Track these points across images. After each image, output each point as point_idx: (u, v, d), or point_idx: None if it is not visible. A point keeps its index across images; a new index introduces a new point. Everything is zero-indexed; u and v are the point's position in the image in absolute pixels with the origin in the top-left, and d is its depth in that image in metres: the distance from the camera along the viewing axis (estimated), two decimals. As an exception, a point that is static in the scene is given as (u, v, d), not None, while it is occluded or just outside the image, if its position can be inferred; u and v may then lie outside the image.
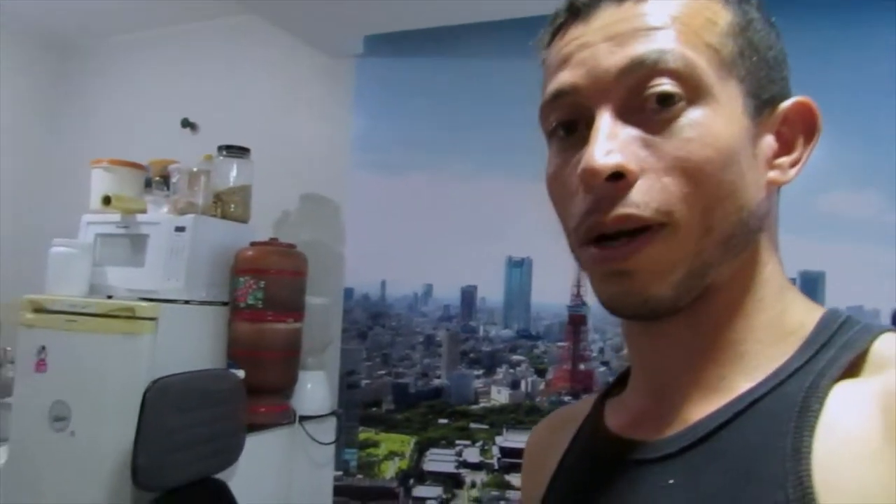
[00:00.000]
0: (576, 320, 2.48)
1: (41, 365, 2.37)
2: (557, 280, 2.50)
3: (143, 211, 2.53)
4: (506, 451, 2.53)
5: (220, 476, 2.12)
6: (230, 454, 2.12)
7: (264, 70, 3.11)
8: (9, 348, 3.20)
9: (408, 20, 2.66)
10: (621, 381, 0.71)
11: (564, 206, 0.60)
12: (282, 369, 2.48)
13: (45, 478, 2.30)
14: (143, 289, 2.41)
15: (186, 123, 3.17)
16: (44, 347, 2.38)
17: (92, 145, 3.10)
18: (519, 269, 2.58)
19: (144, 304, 2.25)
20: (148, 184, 2.68)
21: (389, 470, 2.69)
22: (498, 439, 2.54)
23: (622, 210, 0.54)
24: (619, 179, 0.53)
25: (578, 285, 2.47)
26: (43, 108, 3.53)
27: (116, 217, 2.55)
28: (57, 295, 2.41)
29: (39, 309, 2.41)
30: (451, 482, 2.59)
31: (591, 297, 2.51)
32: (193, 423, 1.94)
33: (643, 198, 0.53)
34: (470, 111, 2.67)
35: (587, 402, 0.75)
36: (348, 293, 2.82)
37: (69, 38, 3.52)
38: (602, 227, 0.55)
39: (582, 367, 2.48)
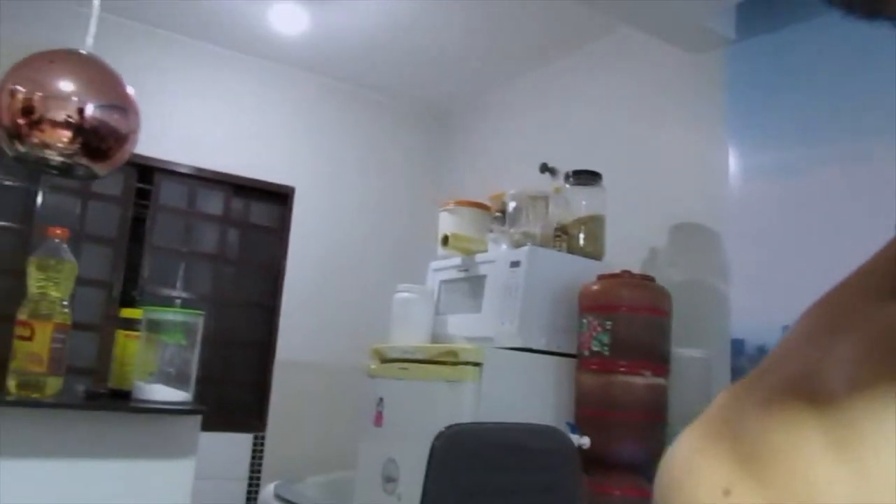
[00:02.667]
0: None
1: (379, 418, 2.19)
2: None
3: (483, 250, 2.26)
4: None
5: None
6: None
7: (619, 93, 2.68)
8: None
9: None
10: None
11: None
12: (638, 438, 1.86)
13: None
14: (479, 336, 2.09)
15: (545, 168, 2.89)
16: (382, 399, 2.19)
17: (457, 195, 3.02)
18: None
19: (468, 346, 1.91)
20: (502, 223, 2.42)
21: None
22: None
23: None
24: None
25: None
26: (424, 166, 3.67)
27: (458, 261, 2.32)
28: (396, 343, 2.24)
29: (383, 358, 2.26)
30: None
31: None
32: (499, 489, 1.46)
33: None
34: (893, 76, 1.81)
35: None
36: (737, 345, 2.07)
37: (441, 104, 3.65)
38: None
39: None
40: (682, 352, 2.02)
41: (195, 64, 3.11)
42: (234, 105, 3.18)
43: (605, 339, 1.88)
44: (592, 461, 1.79)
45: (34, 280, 1.24)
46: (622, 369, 1.87)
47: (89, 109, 1.17)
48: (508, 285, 2.08)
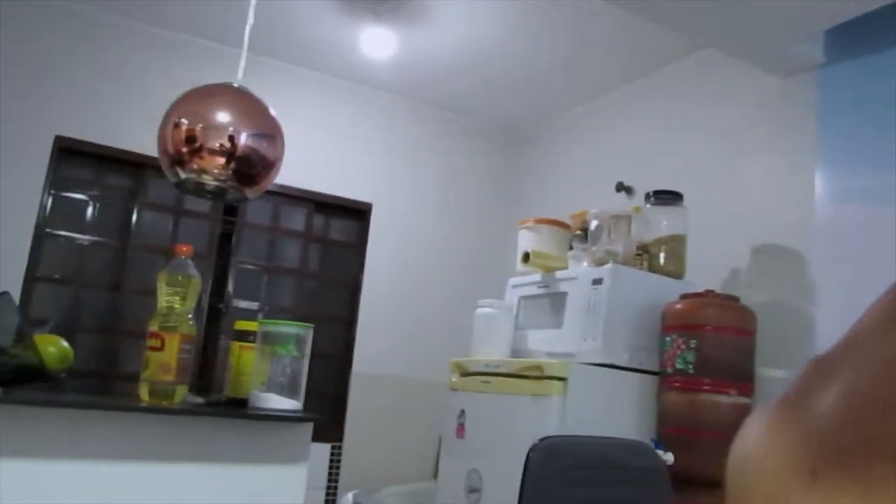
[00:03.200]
0: None
1: (461, 430, 2.24)
2: None
3: (564, 267, 2.30)
4: None
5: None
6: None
7: (699, 113, 2.69)
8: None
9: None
10: None
11: None
12: (723, 456, 1.85)
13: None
14: (561, 352, 2.13)
15: (621, 187, 2.92)
16: (463, 411, 2.25)
17: (533, 213, 3.07)
18: None
19: (555, 361, 1.95)
20: (572, 244, 2.46)
21: None
22: None
23: None
24: None
25: None
26: (500, 185, 3.74)
27: (538, 277, 2.37)
28: (477, 356, 2.29)
29: (464, 372, 2.32)
30: None
31: None
32: (591, 502, 1.49)
33: None
34: None
35: None
36: (823, 368, 2.06)
37: (518, 125, 3.72)
38: None
39: None
40: (767, 372, 2.01)
41: (286, 88, 3.25)
42: (316, 125, 3.31)
43: (690, 358, 1.90)
44: (676, 479, 1.80)
45: (163, 294, 1.34)
46: (707, 388, 1.89)
47: (242, 138, 1.28)
48: (591, 302, 2.11)
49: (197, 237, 3.12)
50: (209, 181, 1.30)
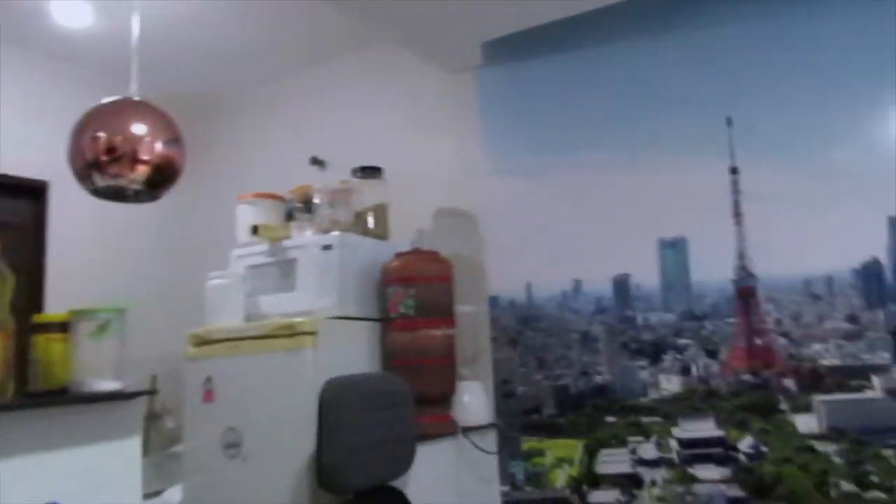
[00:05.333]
0: (744, 293, 2.31)
1: (209, 395, 2.41)
2: (717, 255, 2.35)
3: (289, 237, 2.59)
4: (686, 443, 2.34)
5: (394, 485, 2.05)
6: (405, 460, 2.05)
7: (387, 98, 3.19)
8: (164, 405, 3.31)
9: (524, 19, 2.67)
10: None
11: None
12: (441, 377, 2.42)
13: (223, 505, 2.31)
14: (296, 311, 2.43)
15: (315, 161, 3.26)
16: (210, 378, 2.42)
17: (227, 189, 3.23)
18: (673, 249, 2.45)
19: (304, 319, 2.26)
20: (289, 215, 2.75)
21: (559, 478, 2.54)
22: (675, 431, 2.37)
23: None
24: None
25: (742, 257, 2.32)
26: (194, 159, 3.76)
27: (264, 247, 2.61)
28: (215, 326, 2.47)
29: (202, 342, 2.47)
30: (629, 483, 2.42)
31: (758, 267, 2.37)
32: (369, 423, 1.90)
33: None
34: (603, 100, 2.62)
35: None
36: (493, 301, 2.76)
37: (212, 98, 3.78)
38: None
39: (758, 341, 2.29)
40: (461, 308, 2.62)
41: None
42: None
43: (411, 304, 2.40)
44: (410, 398, 2.30)
45: (-25, 295, 1.32)
46: (424, 325, 2.41)
47: (158, 146, 1.30)
48: (322, 266, 2.46)
49: None
50: (128, 185, 1.32)
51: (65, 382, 1.48)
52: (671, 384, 2.42)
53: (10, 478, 1.35)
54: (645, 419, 2.43)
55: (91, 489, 1.46)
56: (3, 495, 1.34)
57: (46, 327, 1.50)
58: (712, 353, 2.36)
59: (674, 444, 2.37)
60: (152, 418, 3.37)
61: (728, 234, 2.33)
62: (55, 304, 3.10)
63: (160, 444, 3.28)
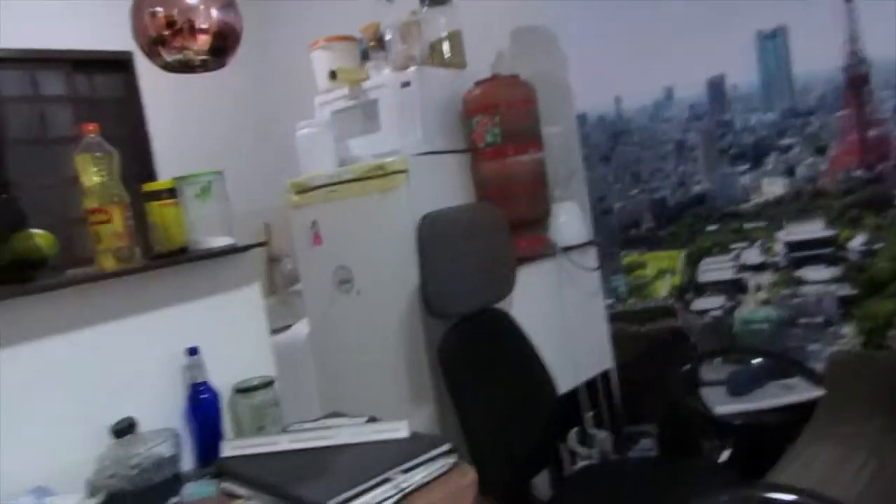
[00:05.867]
0: (856, 81, 2.13)
1: (316, 239, 2.55)
2: (823, 43, 2.15)
3: (367, 78, 2.56)
4: (793, 245, 2.29)
5: (499, 307, 2.15)
6: (506, 284, 2.13)
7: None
8: (282, 248, 3.53)
9: None
10: None
11: None
12: (533, 201, 2.44)
13: (343, 337, 2.52)
14: (384, 151, 2.46)
15: (383, -6, 3.14)
16: (314, 222, 2.55)
17: (297, 39, 3.19)
18: (772, 41, 2.25)
19: (393, 159, 2.29)
20: (364, 55, 2.71)
21: (663, 289, 2.58)
22: (780, 235, 2.31)
23: None
24: None
25: (853, 40, 2.11)
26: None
27: (344, 91, 2.61)
28: (314, 173, 2.55)
29: (302, 189, 2.57)
30: (733, 289, 2.42)
31: (872, 50, 2.15)
32: (467, 252, 1.96)
33: None
34: None
35: None
36: (581, 119, 2.68)
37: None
38: None
39: (872, 133, 2.14)
40: (547, 129, 2.57)
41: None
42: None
43: (497, 132, 2.37)
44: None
45: (89, 174, 1.42)
46: (511, 152, 2.39)
47: (214, 13, 1.32)
48: (403, 103, 2.45)
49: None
50: (193, 57, 1.36)
51: (183, 243, 1.60)
52: (775, 187, 2.33)
53: (149, 332, 1.52)
54: (748, 225, 2.38)
55: (223, 334, 1.63)
56: (147, 347, 1.52)
57: (157, 195, 1.60)
58: (820, 151, 2.23)
59: (779, 247, 2.32)
60: (273, 261, 3.64)
61: (837, 16, 2.11)
62: (165, 173, 3.29)
63: (283, 283, 3.56)
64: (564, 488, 2.23)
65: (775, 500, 1.52)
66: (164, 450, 1.35)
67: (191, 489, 1.36)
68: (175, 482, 1.36)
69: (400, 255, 2.16)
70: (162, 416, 1.50)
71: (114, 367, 1.46)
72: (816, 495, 1.52)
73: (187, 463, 1.51)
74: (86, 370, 1.42)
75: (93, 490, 1.27)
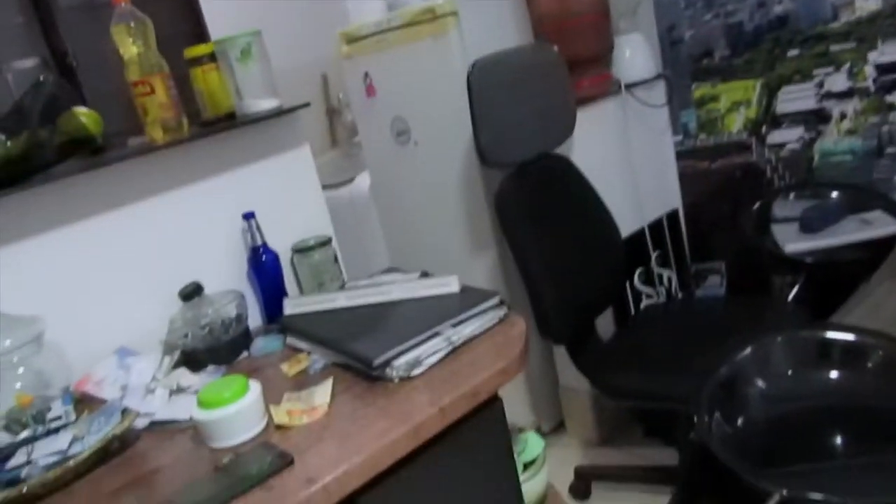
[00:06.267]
0: None
1: (370, 90, 2.50)
2: None
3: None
4: (885, 67, 2.08)
5: (559, 152, 2.09)
6: (564, 128, 2.05)
7: None
8: (341, 95, 3.48)
9: None
10: None
11: None
12: (594, 36, 2.28)
13: (404, 189, 2.53)
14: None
15: None
16: (367, 73, 2.49)
17: None
18: None
19: (443, 0, 2.17)
20: None
21: (736, 122, 2.43)
22: (871, 56, 2.10)
23: None
24: None
25: None
26: None
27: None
28: (360, 21, 2.45)
29: (352, 39, 2.49)
30: (814, 119, 2.25)
31: None
32: (521, 98, 1.88)
33: None
34: None
35: None
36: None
37: None
38: None
39: None
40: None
41: None
42: None
43: (553, -40, 2.18)
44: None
45: (125, 45, 1.41)
46: (570, -17, 2.21)
47: None
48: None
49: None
50: None
51: (229, 108, 1.59)
52: (870, 2, 2.08)
53: (205, 199, 1.57)
54: (834, 47, 2.16)
55: (278, 196, 1.66)
56: (204, 214, 1.57)
57: (199, 60, 1.58)
58: (924, -46, 1.95)
59: (870, 70, 2.11)
60: (333, 112, 3.62)
61: None
62: (217, 31, 3.23)
63: (345, 135, 3.56)
64: (628, 326, 2.27)
65: (835, 339, 1.50)
66: (231, 310, 1.43)
67: (260, 344, 1.46)
68: (245, 338, 1.46)
69: (455, 105, 2.09)
70: (228, 279, 1.58)
71: (176, 236, 1.52)
72: (885, 336, 1.48)
73: (256, 320, 1.60)
74: (151, 240, 1.49)
75: (167, 349, 1.38)
